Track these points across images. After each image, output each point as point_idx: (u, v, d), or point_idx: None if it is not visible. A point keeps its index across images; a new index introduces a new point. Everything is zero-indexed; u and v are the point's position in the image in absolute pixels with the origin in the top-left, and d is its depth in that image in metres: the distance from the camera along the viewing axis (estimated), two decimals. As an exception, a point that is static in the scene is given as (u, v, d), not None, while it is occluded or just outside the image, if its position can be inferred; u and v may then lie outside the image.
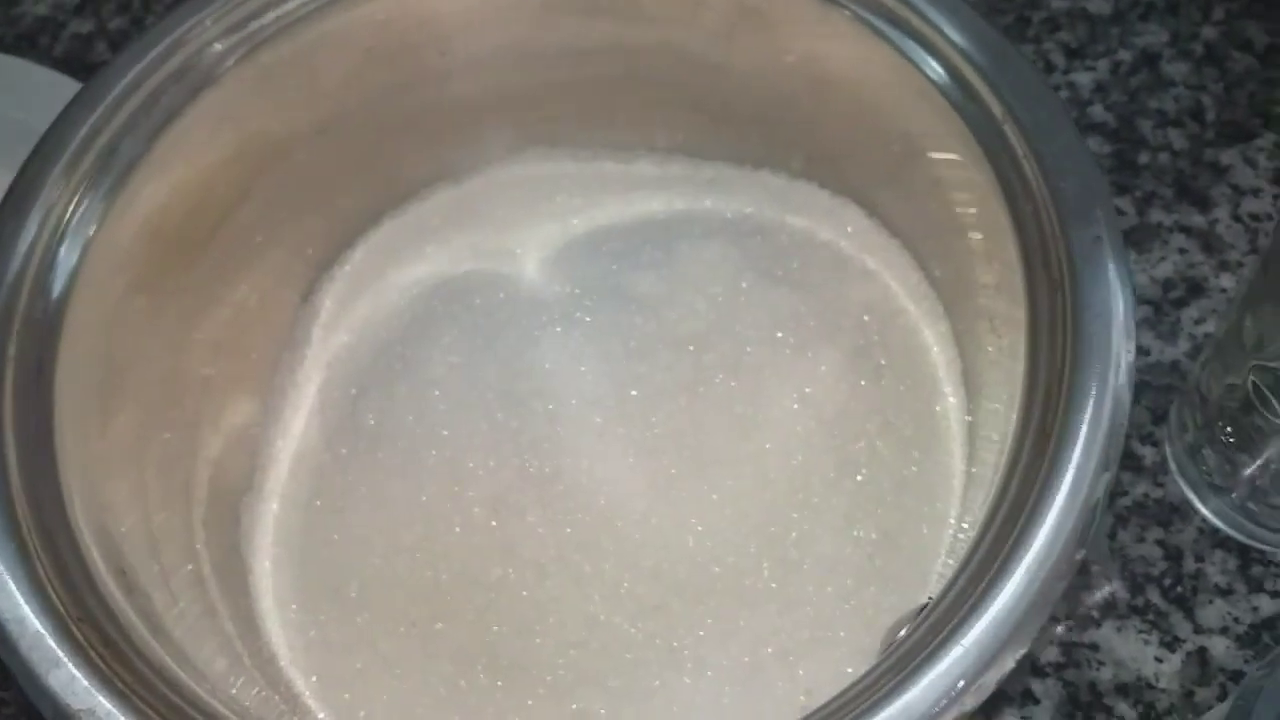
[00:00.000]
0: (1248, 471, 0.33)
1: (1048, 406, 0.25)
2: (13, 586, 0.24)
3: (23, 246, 0.28)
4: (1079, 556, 0.23)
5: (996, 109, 0.28)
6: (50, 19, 0.51)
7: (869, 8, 0.31)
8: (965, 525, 0.31)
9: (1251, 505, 0.34)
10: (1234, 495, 0.34)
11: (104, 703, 0.23)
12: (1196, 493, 0.36)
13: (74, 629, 0.24)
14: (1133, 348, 0.25)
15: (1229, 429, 0.33)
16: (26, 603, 0.24)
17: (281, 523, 0.35)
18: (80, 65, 0.49)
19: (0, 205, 0.29)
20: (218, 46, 0.32)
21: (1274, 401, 0.31)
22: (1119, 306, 0.25)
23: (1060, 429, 0.24)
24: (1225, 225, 0.40)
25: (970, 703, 0.22)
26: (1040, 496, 0.23)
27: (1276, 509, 0.33)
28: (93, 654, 0.24)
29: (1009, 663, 0.22)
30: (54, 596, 0.24)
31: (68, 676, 0.23)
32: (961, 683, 0.22)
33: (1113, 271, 0.25)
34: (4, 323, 0.27)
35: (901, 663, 0.22)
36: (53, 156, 0.29)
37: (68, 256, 0.29)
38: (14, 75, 0.47)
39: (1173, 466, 0.36)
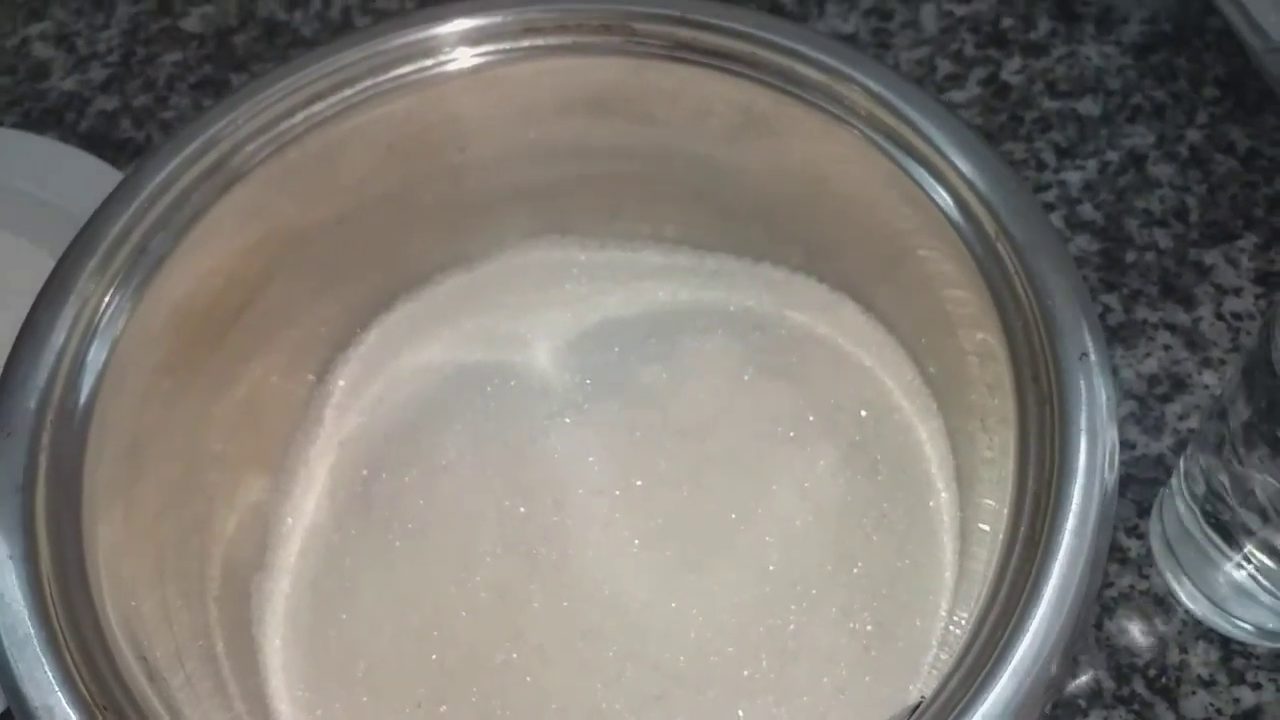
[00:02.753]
0: (1226, 566, 0.35)
1: (1036, 515, 0.26)
2: (43, 675, 0.25)
3: (55, 346, 0.29)
4: (1060, 665, 0.24)
5: (990, 226, 0.30)
6: (76, 94, 0.53)
7: (873, 126, 0.33)
8: (957, 618, 0.32)
9: (1229, 599, 0.35)
10: (1212, 590, 0.35)
11: (129, 792, 0.24)
12: (1179, 584, 0.37)
13: (100, 717, 0.25)
14: (1116, 464, 0.26)
15: (1208, 525, 0.34)
16: (56, 692, 0.25)
17: (291, 601, 0.36)
18: (105, 142, 0.51)
19: (34, 305, 0.30)
20: (248, 146, 0.34)
21: (1246, 502, 0.32)
22: (1104, 424, 0.26)
23: (1047, 540, 0.25)
24: (1209, 323, 0.42)
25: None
26: (1027, 606, 0.24)
27: (1253, 604, 0.35)
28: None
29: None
30: (81, 685, 0.25)
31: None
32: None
33: (1100, 390, 0.27)
34: (38, 418, 0.28)
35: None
36: (85, 255, 0.31)
37: (97, 355, 0.30)
38: (38, 153, 0.48)
39: (1156, 559, 0.37)
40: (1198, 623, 0.36)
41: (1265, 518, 0.31)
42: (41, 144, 0.48)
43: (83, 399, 0.30)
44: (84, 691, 0.25)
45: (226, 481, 0.37)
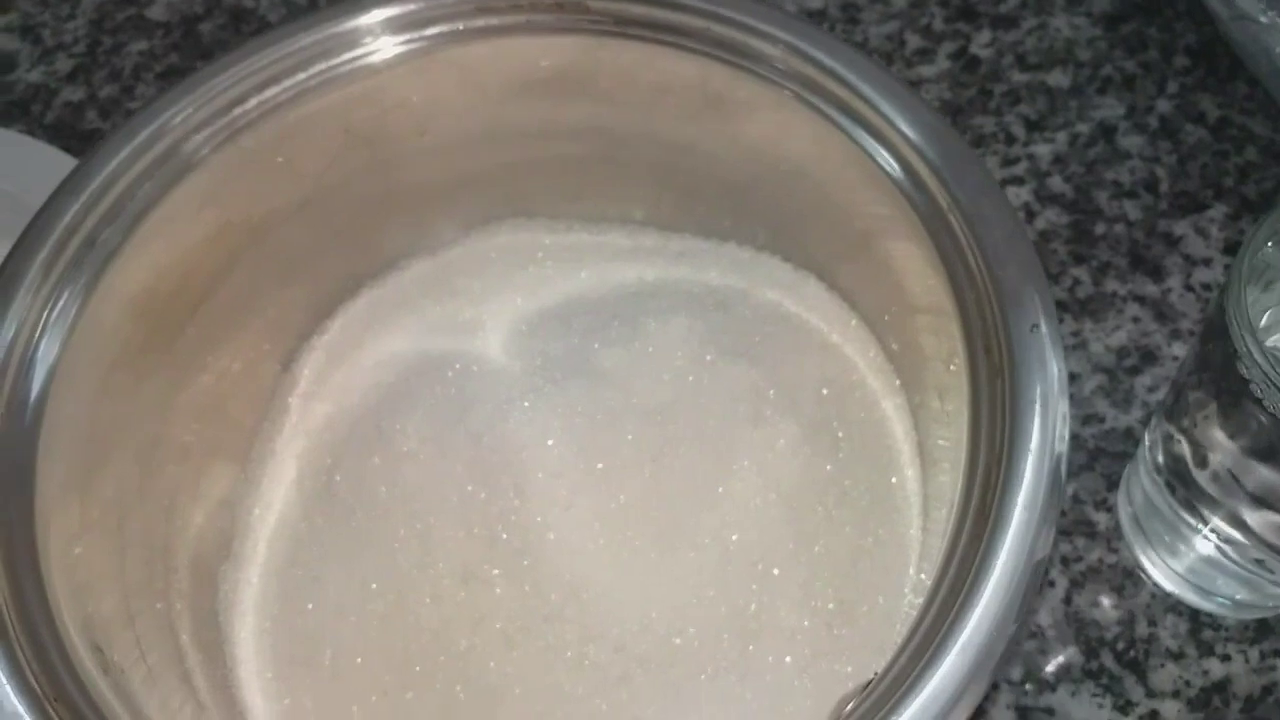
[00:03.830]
0: (1193, 539, 0.34)
1: (987, 488, 0.26)
2: (-9, 668, 0.25)
3: (4, 342, 0.29)
4: (1014, 632, 0.24)
5: (943, 199, 0.30)
6: (42, 86, 0.53)
7: (824, 98, 0.32)
8: (920, 596, 0.32)
9: (1197, 572, 0.35)
10: (1181, 564, 0.35)
11: (76, 782, 0.24)
12: (1147, 558, 0.37)
13: (49, 708, 0.25)
14: (1066, 434, 0.26)
15: (1173, 497, 0.34)
16: (4, 683, 0.25)
17: (258, 591, 0.35)
18: (72, 133, 0.51)
19: None
20: (200, 134, 0.33)
21: (1205, 471, 0.32)
22: (1055, 395, 0.26)
23: (997, 514, 0.25)
24: (1178, 295, 0.42)
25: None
26: (977, 578, 0.24)
27: (1220, 575, 0.34)
28: (67, 733, 0.24)
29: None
30: (30, 677, 0.25)
31: (41, 758, 0.24)
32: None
33: (1050, 360, 0.27)
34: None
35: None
36: (34, 249, 0.30)
37: (48, 350, 0.30)
38: (2, 147, 0.48)
39: (1125, 532, 0.37)
40: (1167, 595, 0.36)
41: (1226, 489, 0.31)
42: (5, 136, 0.47)
43: (34, 395, 0.29)
44: (33, 682, 0.25)
45: (192, 473, 0.36)
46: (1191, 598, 0.36)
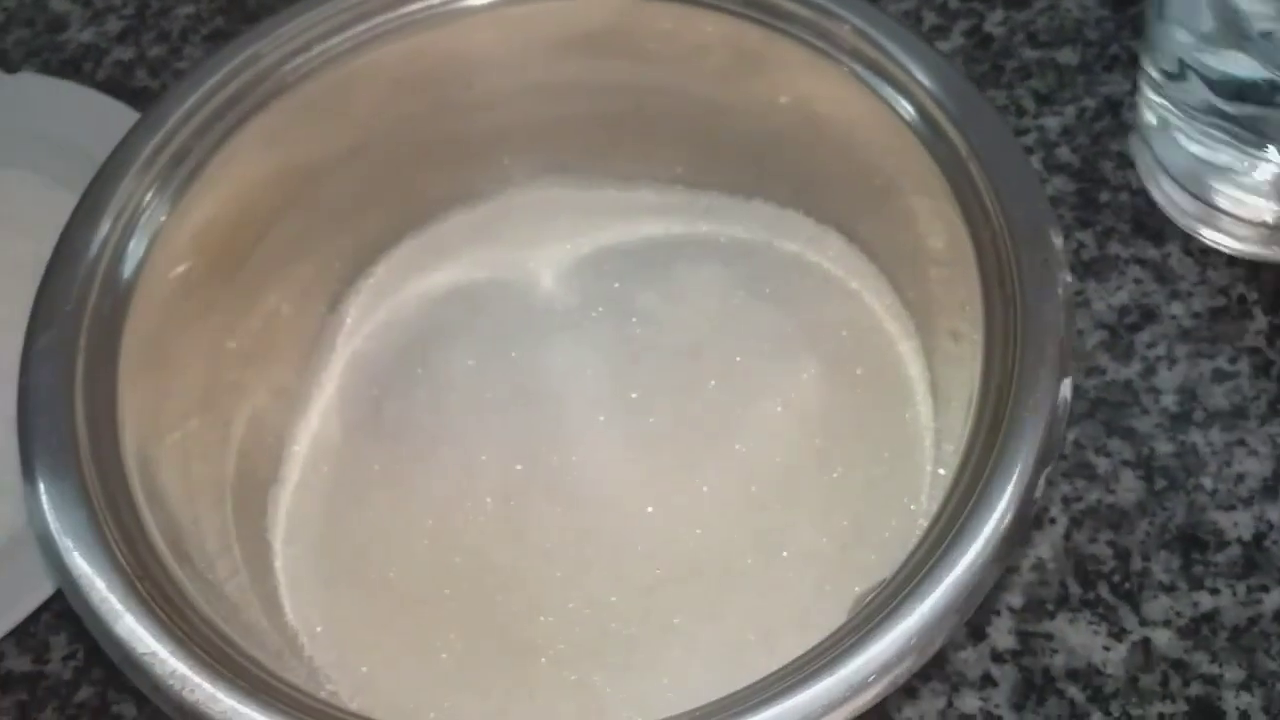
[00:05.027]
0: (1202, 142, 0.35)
1: (999, 404, 0.28)
2: (85, 547, 0.27)
3: (99, 238, 0.32)
4: (1013, 533, 0.26)
5: (962, 147, 0.32)
6: (93, 45, 0.55)
7: (853, 56, 0.35)
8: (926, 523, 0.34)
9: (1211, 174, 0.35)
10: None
11: (165, 647, 0.26)
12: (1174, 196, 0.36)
13: (137, 585, 0.27)
14: (1070, 356, 0.28)
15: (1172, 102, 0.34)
16: (96, 561, 0.27)
17: (305, 512, 0.37)
18: (122, 90, 0.53)
19: (80, 203, 0.33)
20: (269, 79, 0.36)
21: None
22: (1062, 320, 0.29)
23: (1008, 425, 0.27)
24: (1177, 259, 0.44)
25: (918, 658, 0.25)
26: (988, 485, 0.27)
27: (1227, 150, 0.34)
28: (153, 606, 0.27)
29: (951, 627, 0.26)
30: (119, 556, 0.27)
31: (132, 624, 0.26)
32: (914, 639, 0.25)
33: (1059, 289, 0.29)
34: (79, 305, 0.31)
35: (862, 624, 0.26)
36: (128, 161, 0.33)
37: (135, 248, 0.33)
38: (61, 97, 0.50)
39: (1148, 186, 0.37)
40: (1161, 530, 0.39)
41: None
42: (64, 88, 0.50)
43: (120, 292, 0.32)
44: (121, 561, 0.27)
45: (243, 405, 0.39)
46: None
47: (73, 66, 0.54)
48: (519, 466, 0.36)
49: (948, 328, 0.35)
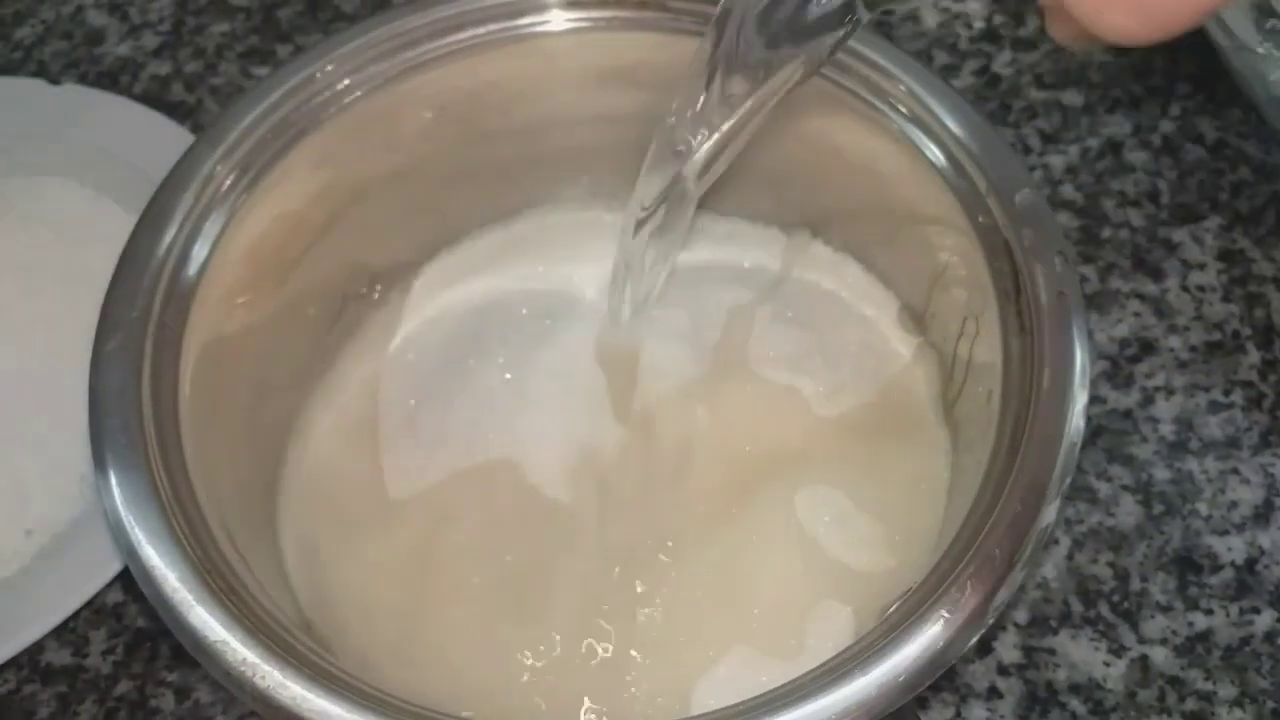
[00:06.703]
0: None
1: (1016, 431, 0.30)
2: (157, 540, 0.29)
3: (163, 246, 0.34)
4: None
5: (982, 184, 0.34)
6: (130, 59, 0.57)
7: (875, 94, 0.37)
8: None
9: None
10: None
11: (234, 636, 0.27)
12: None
13: (206, 577, 0.28)
14: (1087, 382, 0.30)
15: None
16: (167, 554, 0.28)
17: (345, 511, 0.39)
18: (159, 104, 0.54)
19: (143, 215, 0.35)
20: (321, 99, 0.37)
21: None
22: (1078, 352, 0.31)
23: (1025, 451, 0.29)
24: (1175, 294, 0.46)
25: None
26: (1004, 510, 0.29)
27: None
28: (222, 596, 0.28)
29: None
30: (188, 549, 0.29)
31: (204, 615, 0.28)
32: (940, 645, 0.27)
33: (1074, 322, 0.31)
34: (144, 310, 0.33)
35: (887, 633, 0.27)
36: (189, 174, 0.35)
37: (199, 251, 0.35)
38: (105, 109, 0.52)
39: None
40: (1158, 556, 0.41)
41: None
42: (108, 100, 0.51)
43: (190, 274, 0.34)
44: (191, 554, 0.29)
45: (286, 411, 0.40)
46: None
47: (110, 79, 0.56)
48: (555, 477, 0.38)
49: (961, 355, 0.37)
